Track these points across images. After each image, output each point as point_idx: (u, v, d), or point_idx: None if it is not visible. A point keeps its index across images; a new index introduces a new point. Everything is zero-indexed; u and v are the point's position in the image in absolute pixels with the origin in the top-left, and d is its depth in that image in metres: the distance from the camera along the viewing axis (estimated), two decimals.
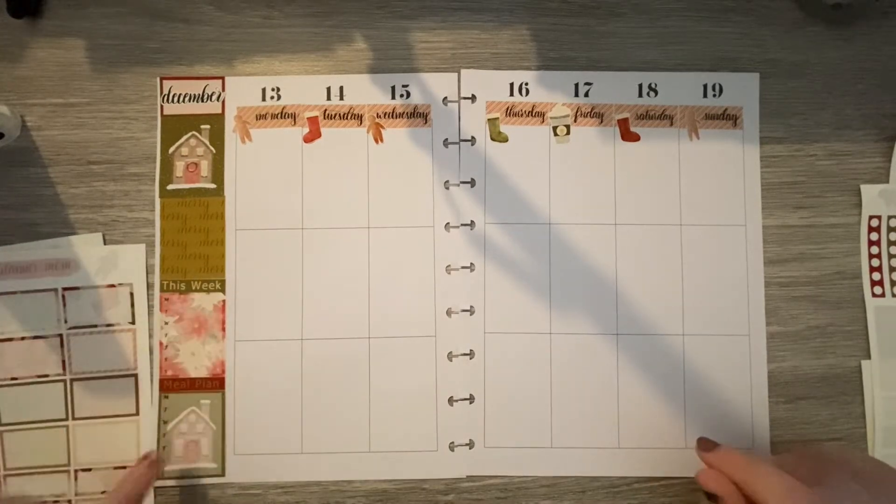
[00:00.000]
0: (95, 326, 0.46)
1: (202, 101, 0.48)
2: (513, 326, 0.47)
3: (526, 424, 0.47)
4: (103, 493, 0.45)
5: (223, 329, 0.47)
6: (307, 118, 0.48)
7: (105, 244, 0.47)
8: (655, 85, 0.49)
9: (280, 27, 0.49)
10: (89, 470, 0.46)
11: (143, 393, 0.46)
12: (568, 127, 0.49)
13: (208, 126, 0.48)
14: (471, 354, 0.47)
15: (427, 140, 0.49)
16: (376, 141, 0.49)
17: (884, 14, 0.50)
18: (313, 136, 0.49)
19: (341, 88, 0.49)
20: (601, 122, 0.49)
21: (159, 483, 0.46)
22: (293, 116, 0.49)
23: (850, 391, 0.47)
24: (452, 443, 0.47)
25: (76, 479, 0.46)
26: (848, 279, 0.48)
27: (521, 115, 0.49)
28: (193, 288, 0.47)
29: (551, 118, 0.49)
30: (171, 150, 0.48)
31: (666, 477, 0.47)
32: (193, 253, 0.48)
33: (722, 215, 0.48)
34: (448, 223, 0.48)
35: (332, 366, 0.47)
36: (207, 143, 0.48)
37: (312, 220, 0.48)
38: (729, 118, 0.49)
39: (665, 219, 0.48)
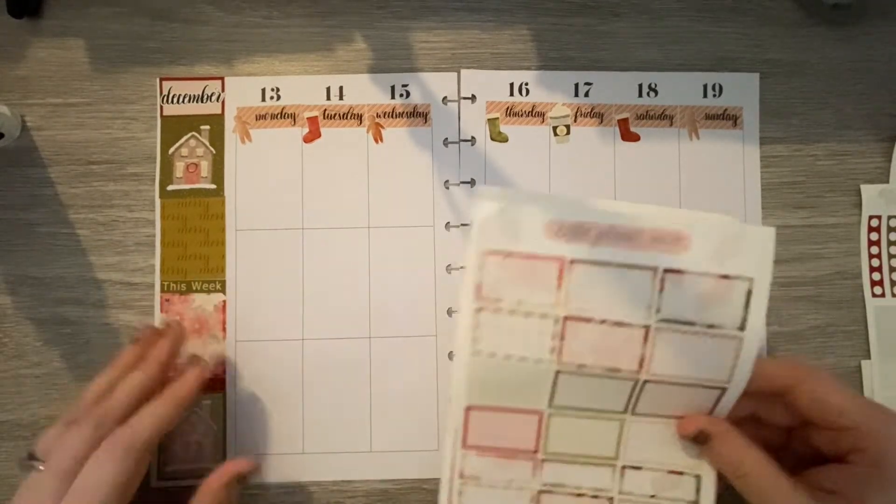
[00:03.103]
0: (693, 325, 0.36)
1: (202, 101, 0.49)
2: None
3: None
4: (652, 497, 0.38)
5: (224, 329, 0.47)
6: (307, 118, 0.49)
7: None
8: (655, 85, 0.49)
9: (280, 27, 0.49)
10: (639, 469, 0.38)
11: (722, 409, 0.37)
12: (568, 127, 0.49)
13: (208, 126, 0.48)
14: None
15: (427, 140, 0.49)
16: (376, 141, 0.49)
17: (884, 14, 0.50)
18: (313, 136, 0.49)
19: (341, 88, 0.49)
20: (601, 122, 0.49)
21: (159, 483, 0.46)
22: (293, 116, 0.49)
23: None
24: None
25: (622, 476, 0.38)
26: (848, 279, 0.48)
27: (521, 115, 0.49)
28: (194, 288, 0.47)
29: (551, 118, 0.49)
30: (171, 150, 0.48)
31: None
32: (193, 253, 0.48)
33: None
34: (448, 223, 0.48)
35: (332, 366, 0.47)
36: (207, 143, 0.48)
37: (312, 220, 0.48)
38: (729, 118, 0.49)
39: None
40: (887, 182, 0.48)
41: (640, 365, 0.35)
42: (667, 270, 0.35)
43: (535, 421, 0.37)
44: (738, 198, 0.48)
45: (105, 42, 0.49)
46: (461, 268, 0.48)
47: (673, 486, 0.38)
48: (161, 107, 0.48)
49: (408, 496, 0.46)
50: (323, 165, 0.48)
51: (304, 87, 0.49)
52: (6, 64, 0.49)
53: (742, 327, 0.35)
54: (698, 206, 0.48)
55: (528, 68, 0.49)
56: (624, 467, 0.38)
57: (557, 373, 0.36)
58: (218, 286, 0.47)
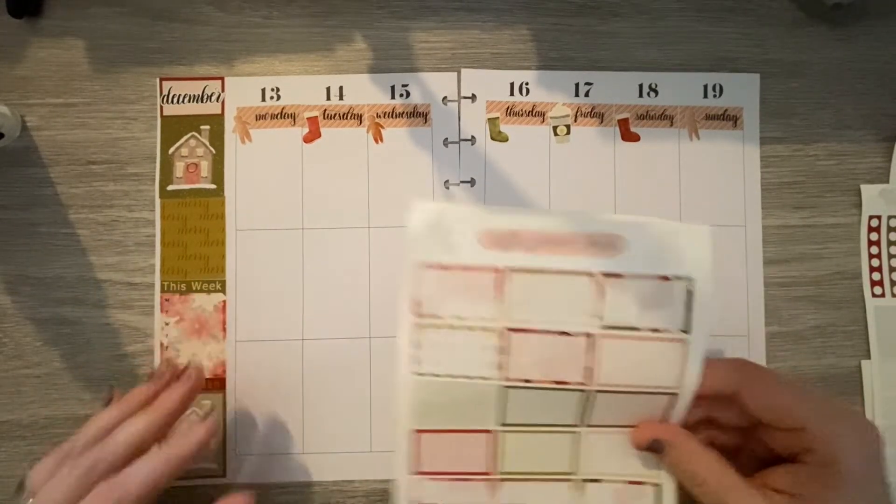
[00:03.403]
0: (637, 330, 0.35)
1: (202, 101, 0.48)
2: None
3: None
4: None
5: (224, 329, 0.47)
6: (307, 118, 0.48)
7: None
8: (656, 85, 0.49)
9: (280, 27, 0.49)
10: (598, 481, 0.37)
11: (677, 412, 0.35)
12: (568, 127, 0.49)
13: (208, 126, 0.48)
14: None
15: (427, 140, 0.49)
16: (376, 141, 0.49)
17: (884, 14, 0.50)
18: (313, 136, 0.49)
19: (341, 88, 0.49)
20: (601, 122, 0.49)
21: None
22: (293, 116, 0.49)
23: (850, 391, 0.47)
24: None
25: (583, 491, 0.37)
26: (848, 279, 0.48)
27: (522, 114, 0.49)
28: (194, 288, 0.47)
29: (551, 118, 0.49)
30: (171, 150, 0.48)
31: None
32: (194, 253, 0.48)
33: (722, 215, 0.48)
34: None
35: (332, 366, 0.47)
36: (207, 143, 0.48)
37: (312, 220, 0.48)
38: (729, 119, 0.49)
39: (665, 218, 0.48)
40: (887, 182, 0.48)
41: (588, 375, 0.34)
42: (605, 275, 0.34)
43: (488, 440, 0.36)
44: (738, 198, 0.48)
45: (105, 42, 0.49)
46: None
47: (634, 497, 0.37)
48: (161, 107, 0.48)
49: None
50: (323, 165, 0.48)
51: (304, 87, 0.49)
52: (6, 64, 0.49)
53: (686, 329, 0.34)
54: (698, 206, 0.48)
55: (529, 68, 0.49)
56: (583, 481, 0.37)
57: (505, 389, 0.35)
58: (218, 286, 0.47)
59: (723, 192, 0.48)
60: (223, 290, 0.47)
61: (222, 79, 0.49)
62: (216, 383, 0.47)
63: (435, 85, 0.49)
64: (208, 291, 0.47)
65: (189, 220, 0.48)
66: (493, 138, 0.49)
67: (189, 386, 0.41)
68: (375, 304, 0.47)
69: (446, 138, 0.49)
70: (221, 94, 0.49)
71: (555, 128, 0.49)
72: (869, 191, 0.48)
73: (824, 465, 0.32)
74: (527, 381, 0.34)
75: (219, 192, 0.48)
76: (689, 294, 0.34)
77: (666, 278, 0.34)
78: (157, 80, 0.49)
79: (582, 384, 0.34)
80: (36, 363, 0.47)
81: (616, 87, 0.49)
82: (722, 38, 0.49)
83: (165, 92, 0.48)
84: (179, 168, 0.48)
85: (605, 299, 0.34)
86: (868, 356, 0.47)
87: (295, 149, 0.48)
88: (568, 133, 0.49)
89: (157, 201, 0.48)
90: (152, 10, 0.49)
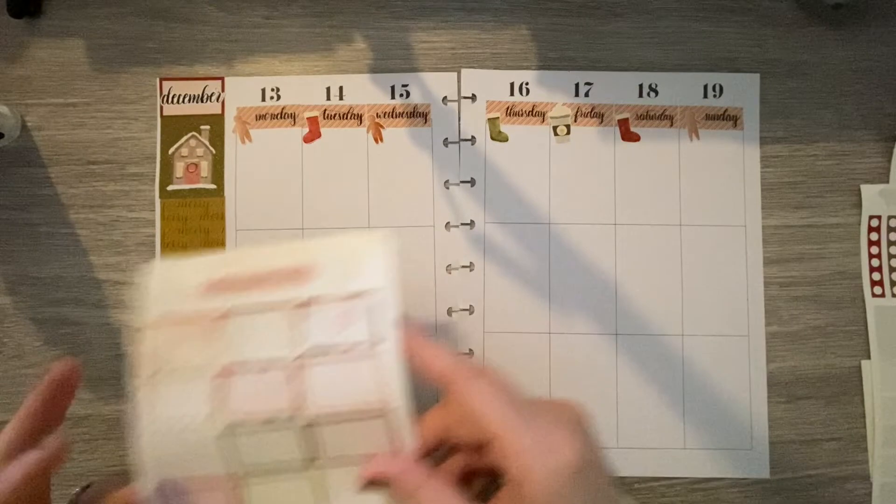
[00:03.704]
0: (334, 351, 0.34)
1: (202, 101, 0.49)
2: (512, 326, 0.48)
3: None
4: None
5: None
6: (307, 118, 0.49)
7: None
8: (656, 85, 0.49)
9: (280, 27, 0.49)
10: None
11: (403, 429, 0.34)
12: (568, 127, 0.49)
13: (208, 126, 0.48)
14: (470, 354, 0.47)
15: (427, 139, 0.49)
16: (376, 141, 0.49)
17: (884, 14, 0.50)
18: (313, 136, 0.49)
19: (341, 88, 0.49)
20: (601, 122, 0.49)
21: None
22: (293, 116, 0.49)
23: (850, 391, 0.47)
24: None
25: None
26: (848, 279, 0.48)
27: (522, 114, 0.49)
28: None
29: (551, 118, 0.49)
30: (171, 150, 0.48)
31: (666, 477, 0.47)
32: (194, 253, 0.47)
33: (722, 215, 0.48)
34: (448, 223, 0.48)
35: None
36: (207, 143, 0.48)
37: (312, 220, 0.48)
38: (729, 119, 0.49)
39: (665, 219, 0.48)
40: (887, 182, 0.48)
41: (298, 407, 0.33)
42: (300, 304, 0.34)
43: (233, 489, 0.34)
44: (738, 198, 0.48)
45: (105, 42, 0.49)
46: (462, 267, 0.48)
47: None
48: (161, 107, 0.48)
49: None
50: (323, 165, 0.48)
51: (304, 87, 0.49)
52: (6, 64, 0.49)
53: (377, 342, 0.33)
54: (698, 206, 0.48)
55: (528, 68, 0.49)
56: None
57: (229, 433, 0.33)
58: None
59: (723, 192, 0.48)
60: None
61: (222, 79, 0.49)
62: None
63: (435, 85, 0.49)
64: None
65: (189, 221, 0.48)
66: (493, 138, 0.49)
67: (45, 385, 0.36)
68: None
69: (446, 138, 0.49)
70: (221, 94, 0.49)
71: (555, 128, 0.49)
72: (869, 191, 0.48)
73: (517, 485, 0.28)
74: (244, 422, 0.33)
75: (219, 192, 0.48)
76: (372, 307, 0.34)
77: (354, 295, 0.34)
78: (157, 80, 0.49)
79: (294, 417, 0.33)
80: (36, 363, 0.47)
81: (616, 87, 0.49)
82: (722, 38, 0.49)
83: (165, 92, 0.48)
84: (179, 168, 0.48)
85: (304, 327, 0.34)
86: (868, 356, 0.47)
87: (295, 149, 0.48)
88: (568, 133, 0.49)
89: (157, 201, 0.48)
90: (152, 10, 0.49)
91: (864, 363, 0.47)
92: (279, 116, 0.49)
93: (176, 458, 0.34)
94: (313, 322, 0.34)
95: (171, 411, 0.34)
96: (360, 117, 0.49)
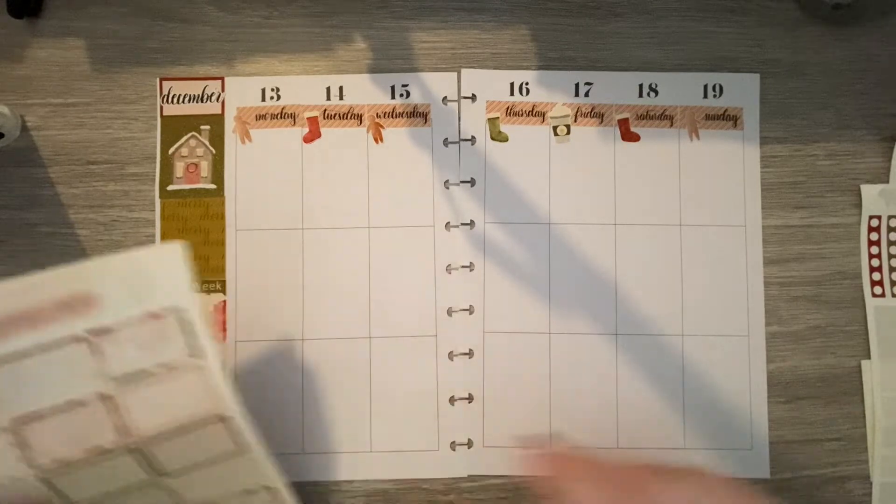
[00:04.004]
0: (150, 373, 0.34)
1: (202, 101, 0.49)
2: (512, 326, 0.48)
3: (525, 424, 0.47)
4: None
5: (224, 330, 0.47)
6: (307, 118, 0.49)
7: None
8: (656, 85, 0.49)
9: (280, 27, 0.49)
10: None
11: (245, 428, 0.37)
12: (568, 127, 0.49)
13: (208, 126, 0.48)
14: (470, 354, 0.47)
15: (427, 140, 0.49)
16: (376, 141, 0.49)
17: (884, 14, 0.50)
18: (313, 136, 0.49)
19: (341, 88, 0.49)
20: (601, 122, 0.49)
21: None
22: (293, 116, 0.49)
23: (850, 391, 0.47)
24: (454, 442, 0.47)
25: None
26: (848, 279, 0.48)
27: (522, 114, 0.49)
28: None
29: (551, 118, 0.49)
30: (171, 150, 0.48)
31: None
32: (193, 253, 0.47)
33: (722, 215, 0.48)
34: (448, 222, 0.48)
35: (332, 366, 0.47)
36: (207, 143, 0.48)
37: (312, 221, 0.48)
38: (729, 119, 0.49)
39: (665, 219, 0.48)
40: (887, 182, 0.48)
41: (124, 433, 0.33)
42: (93, 332, 0.33)
43: None
44: (738, 198, 0.48)
45: (105, 42, 0.49)
46: (461, 267, 0.48)
47: None
48: (161, 107, 0.48)
49: (407, 496, 0.46)
50: (323, 165, 0.48)
51: (304, 87, 0.49)
52: (6, 64, 0.49)
53: (194, 354, 0.34)
54: (698, 206, 0.48)
55: (528, 68, 0.49)
56: None
57: (48, 480, 0.33)
58: (218, 286, 0.47)
59: (723, 192, 0.48)
60: (223, 290, 0.47)
61: (222, 79, 0.49)
62: None
63: (435, 85, 0.49)
64: (208, 291, 0.47)
65: (189, 220, 0.48)
66: (493, 138, 0.49)
67: None
68: (375, 305, 0.47)
69: (446, 138, 0.49)
70: (221, 94, 0.49)
71: (555, 128, 0.49)
72: (869, 191, 0.48)
73: None
74: (64, 461, 0.33)
75: (219, 192, 0.48)
76: (183, 322, 0.34)
77: (156, 315, 0.34)
78: (157, 79, 0.49)
79: (123, 442, 0.33)
80: None
81: (616, 87, 0.49)
82: (722, 38, 0.49)
83: (165, 92, 0.48)
84: (179, 168, 0.48)
85: (105, 355, 0.33)
86: (868, 356, 0.47)
87: (295, 149, 0.48)
88: (568, 133, 0.49)
89: (157, 201, 0.48)
90: (152, 10, 0.49)
91: (864, 363, 0.47)
92: (279, 116, 0.49)
93: None
94: (119, 346, 0.33)
95: None
96: (360, 117, 0.49)
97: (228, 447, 0.35)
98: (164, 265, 0.34)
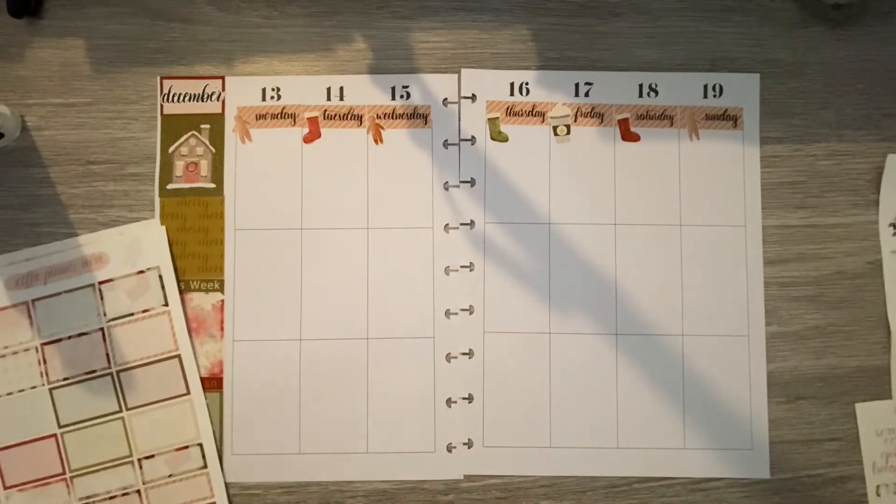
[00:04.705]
0: (132, 315, 0.47)
1: (202, 100, 0.49)
2: (512, 326, 0.47)
3: (525, 424, 0.47)
4: (170, 476, 0.45)
5: (221, 329, 0.47)
6: (307, 118, 0.49)
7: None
8: (656, 85, 0.49)
9: (280, 27, 0.49)
10: (152, 457, 0.46)
11: (190, 371, 0.46)
12: (568, 127, 0.49)
13: (208, 126, 0.48)
14: (470, 354, 0.47)
15: (427, 141, 0.49)
16: (376, 141, 0.49)
17: (884, 14, 0.50)
18: (313, 136, 0.49)
19: (341, 89, 0.49)
20: (601, 122, 0.49)
21: None
22: (293, 116, 0.49)
23: (851, 391, 0.47)
24: (450, 444, 0.47)
25: (141, 467, 0.46)
26: (848, 279, 0.48)
27: (522, 114, 0.49)
28: (192, 287, 0.47)
29: (551, 118, 0.49)
30: (171, 149, 0.48)
31: (666, 477, 0.47)
32: (192, 252, 0.48)
33: (722, 215, 0.48)
34: (447, 224, 0.48)
35: (330, 366, 0.47)
36: (207, 142, 0.48)
37: (312, 221, 0.48)
38: (729, 118, 0.49)
39: (665, 219, 0.48)
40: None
41: (109, 360, 0.46)
42: (101, 282, 0.46)
43: (53, 445, 0.45)
44: (738, 198, 0.48)
45: (105, 42, 0.49)
46: (461, 267, 0.48)
47: (184, 461, 0.46)
48: (161, 105, 0.49)
49: (407, 496, 0.46)
50: (323, 166, 0.48)
51: (304, 87, 0.49)
52: (6, 64, 0.49)
53: (166, 303, 0.46)
54: (698, 206, 0.48)
55: (528, 68, 0.49)
56: (140, 459, 0.46)
57: (51, 391, 0.45)
58: (216, 285, 0.47)
59: (723, 192, 0.48)
60: (221, 290, 0.47)
61: (223, 78, 0.49)
62: (213, 383, 0.47)
63: (435, 86, 0.49)
64: (207, 290, 0.47)
65: (188, 220, 0.48)
66: (493, 138, 0.49)
67: None
68: (374, 305, 0.47)
69: (446, 140, 0.49)
70: (222, 94, 0.49)
71: (555, 128, 0.49)
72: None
73: None
74: (65, 378, 0.46)
75: (218, 191, 0.48)
76: (160, 277, 0.47)
77: (141, 272, 0.47)
78: (158, 78, 0.49)
79: (107, 368, 0.46)
80: None
81: (616, 87, 0.49)
82: (722, 38, 0.49)
83: (166, 91, 0.49)
84: (179, 167, 0.48)
85: (105, 300, 0.46)
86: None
87: (295, 149, 0.48)
88: (568, 133, 0.49)
89: (157, 200, 0.48)
90: (152, 10, 0.49)
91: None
92: (279, 116, 0.49)
93: (11, 422, 0.45)
94: (116, 294, 0.47)
95: (4, 381, 0.45)
96: (360, 118, 0.49)
97: (179, 389, 0.46)
98: (152, 236, 0.47)
